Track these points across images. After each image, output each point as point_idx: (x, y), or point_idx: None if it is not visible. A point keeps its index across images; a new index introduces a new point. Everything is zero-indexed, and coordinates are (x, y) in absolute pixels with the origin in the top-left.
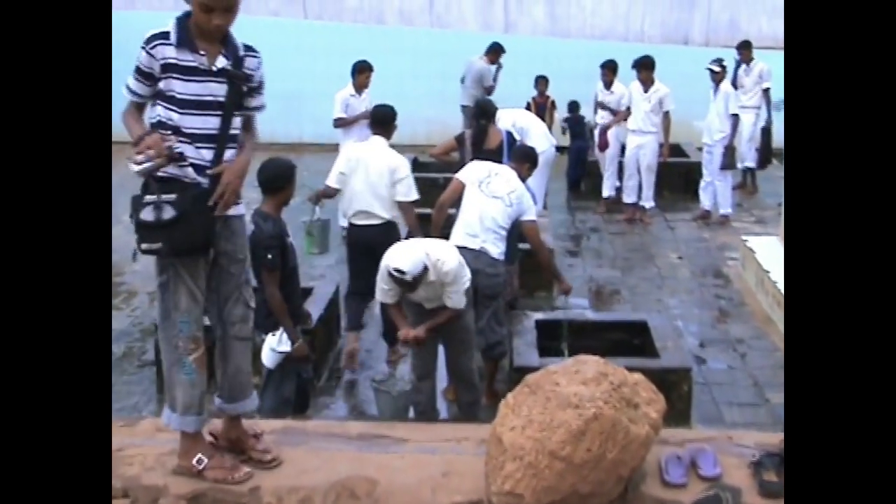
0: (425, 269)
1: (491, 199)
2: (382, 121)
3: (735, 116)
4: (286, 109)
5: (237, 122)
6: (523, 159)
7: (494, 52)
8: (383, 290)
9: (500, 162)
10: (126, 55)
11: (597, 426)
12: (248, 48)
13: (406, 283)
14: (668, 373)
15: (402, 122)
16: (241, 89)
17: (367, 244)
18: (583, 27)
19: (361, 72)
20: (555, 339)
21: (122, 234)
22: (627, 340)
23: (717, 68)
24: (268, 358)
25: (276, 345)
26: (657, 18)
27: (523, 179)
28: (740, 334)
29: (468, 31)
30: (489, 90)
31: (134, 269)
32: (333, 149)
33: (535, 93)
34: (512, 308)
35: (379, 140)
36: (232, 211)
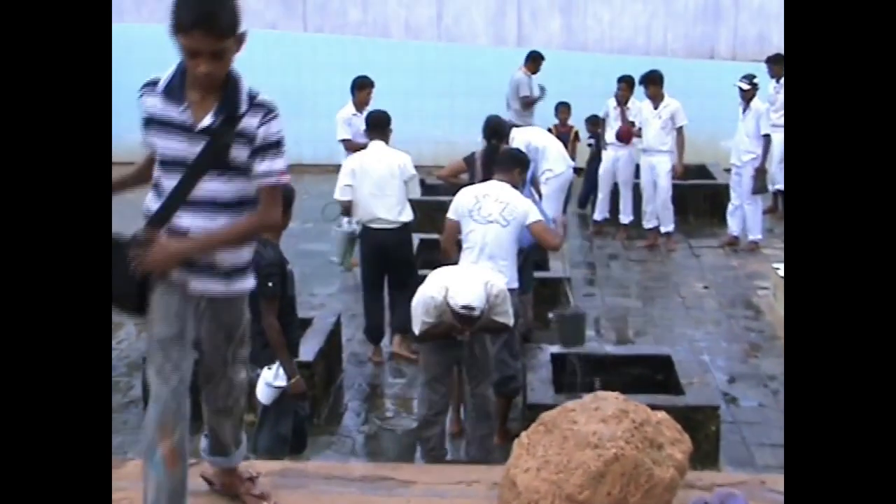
0: (488, 299)
1: (486, 226)
2: (378, 124)
3: (766, 137)
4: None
5: (245, 186)
6: (511, 165)
7: (533, 61)
8: (424, 323)
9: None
10: (115, 69)
11: (618, 468)
12: (257, 104)
13: (472, 320)
14: (694, 411)
15: (408, 141)
16: (223, 149)
17: (379, 246)
18: (601, 40)
19: (362, 88)
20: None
21: None
22: (650, 376)
23: (746, 86)
24: (263, 393)
25: (272, 379)
26: (680, 31)
27: (517, 186)
28: (772, 370)
29: (478, 45)
30: (525, 101)
31: None
32: (335, 170)
33: (552, 116)
34: (526, 340)
35: (378, 144)
36: (219, 289)
